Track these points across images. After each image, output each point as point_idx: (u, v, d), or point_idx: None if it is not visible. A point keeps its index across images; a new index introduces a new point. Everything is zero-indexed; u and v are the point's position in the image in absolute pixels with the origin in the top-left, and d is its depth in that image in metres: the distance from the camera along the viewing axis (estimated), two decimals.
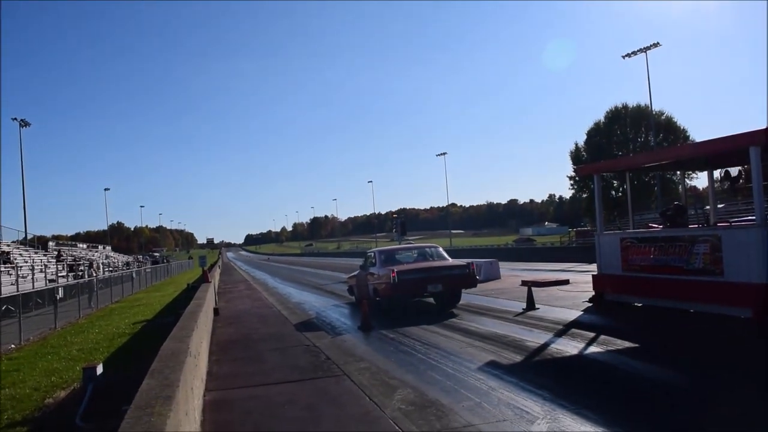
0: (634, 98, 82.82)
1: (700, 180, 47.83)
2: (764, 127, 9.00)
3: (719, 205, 23.39)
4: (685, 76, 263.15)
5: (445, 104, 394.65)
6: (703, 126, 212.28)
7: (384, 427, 5.58)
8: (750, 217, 13.71)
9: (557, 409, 5.73)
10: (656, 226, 14.42)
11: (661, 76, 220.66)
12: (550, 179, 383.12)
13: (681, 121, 62.22)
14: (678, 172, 32.24)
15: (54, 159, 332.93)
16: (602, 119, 63.39)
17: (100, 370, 8.25)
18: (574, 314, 11.77)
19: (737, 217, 18.92)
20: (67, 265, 39.22)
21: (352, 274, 17.51)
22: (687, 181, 44.60)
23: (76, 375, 10.39)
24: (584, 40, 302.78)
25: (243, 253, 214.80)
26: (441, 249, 15.91)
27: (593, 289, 13.15)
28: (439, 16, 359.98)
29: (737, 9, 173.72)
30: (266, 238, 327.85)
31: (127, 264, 62.25)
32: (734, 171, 13.01)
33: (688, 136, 58.75)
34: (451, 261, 14.79)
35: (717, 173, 13.57)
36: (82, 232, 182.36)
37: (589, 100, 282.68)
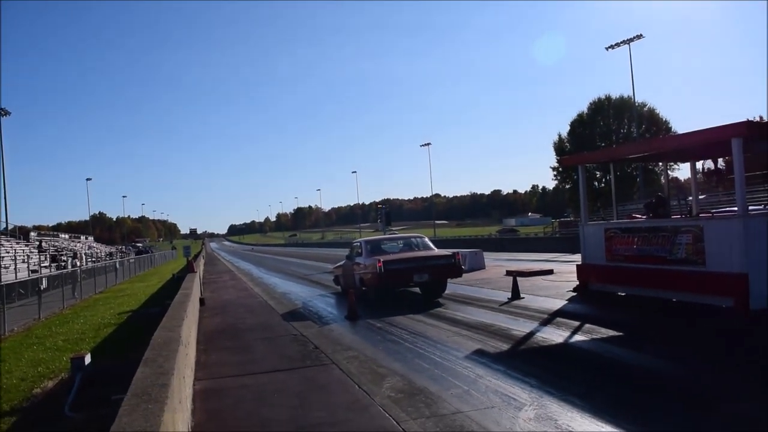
0: (617, 90, 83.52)
1: (682, 171, 48.40)
2: (746, 119, 9.15)
3: (701, 196, 23.71)
4: (667, 68, 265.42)
5: (428, 94, 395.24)
6: (684, 118, 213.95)
7: (374, 414, 5.65)
8: (732, 208, 13.94)
9: (544, 396, 5.84)
10: (640, 216, 14.63)
11: (644, 68, 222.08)
12: (533, 170, 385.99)
13: (663, 112, 62.97)
14: (660, 163, 32.55)
15: (33, 148, 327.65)
16: (585, 110, 63.86)
17: (88, 359, 8.24)
18: (558, 303, 11.93)
19: (719, 208, 19.21)
20: (50, 255, 38.78)
21: (339, 264, 17.54)
22: (669, 172, 45.09)
23: (63, 365, 10.36)
24: (569, 32, 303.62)
25: (226, 243, 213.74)
26: (427, 239, 15.98)
27: (577, 278, 13.31)
28: (424, 5, 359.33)
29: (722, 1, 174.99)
30: (250, 228, 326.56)
31: (110, 254, 61.67)
32: (711, 164, 13.23)
33: (670, 127, 59.44)
34: (436, 251, 14.85)
35: (699, 165, 13.79)
36: (63, 222, 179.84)
37: (573, 91, 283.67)
